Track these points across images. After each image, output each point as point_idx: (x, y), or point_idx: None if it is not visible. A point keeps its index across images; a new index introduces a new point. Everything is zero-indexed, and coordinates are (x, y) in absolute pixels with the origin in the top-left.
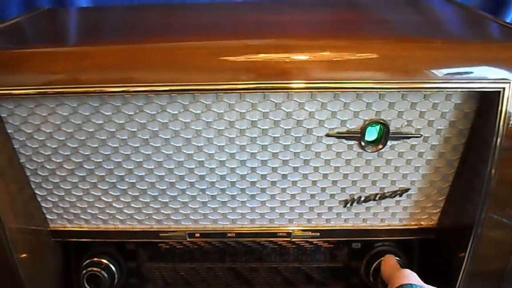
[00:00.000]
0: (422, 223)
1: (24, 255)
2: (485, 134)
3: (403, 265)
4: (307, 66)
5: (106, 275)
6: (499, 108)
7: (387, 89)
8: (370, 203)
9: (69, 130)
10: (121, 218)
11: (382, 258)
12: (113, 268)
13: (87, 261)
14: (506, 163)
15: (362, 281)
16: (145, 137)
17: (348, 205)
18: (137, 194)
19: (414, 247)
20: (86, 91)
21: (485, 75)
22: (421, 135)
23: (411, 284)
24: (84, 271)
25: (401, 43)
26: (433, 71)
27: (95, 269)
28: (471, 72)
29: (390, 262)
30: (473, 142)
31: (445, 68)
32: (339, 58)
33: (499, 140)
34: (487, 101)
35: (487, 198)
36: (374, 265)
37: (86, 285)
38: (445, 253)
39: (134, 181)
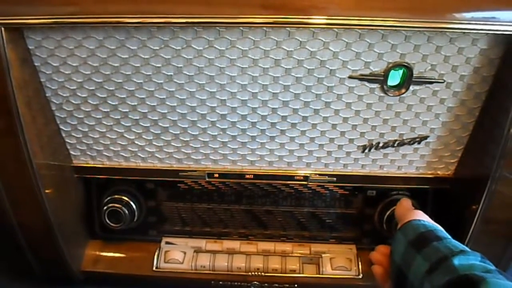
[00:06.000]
0: (439, 172)
1: (49, 190)
2: (509, 82)
3: None
4: (332, 1)
5: (126, 211)
6: None
7: (411, 27)
8: (388, 150)
9: (94, 64)
10: (142, 156)
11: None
12: (134, 206)
13: (109, 198)
14: None
15: (375, 228)
16: (169, 73)
17: (366, 150)
18: (159, 132)
19: (428, 197)
20: (111, 21)
21: None
22: (444, 81)
23: (419, 219)
24: (105, 207)
25: None
26: (460, 12)
27: (116, 205)
28: (499, 16)
29: (405, 203)
30: (496, 90)
31: (472, 9)
32: None
33: None
34: None
35: (507, 149)
36: (388, 213)
37: (107, 221)
38: (458, 205)
39: (156, 118)
